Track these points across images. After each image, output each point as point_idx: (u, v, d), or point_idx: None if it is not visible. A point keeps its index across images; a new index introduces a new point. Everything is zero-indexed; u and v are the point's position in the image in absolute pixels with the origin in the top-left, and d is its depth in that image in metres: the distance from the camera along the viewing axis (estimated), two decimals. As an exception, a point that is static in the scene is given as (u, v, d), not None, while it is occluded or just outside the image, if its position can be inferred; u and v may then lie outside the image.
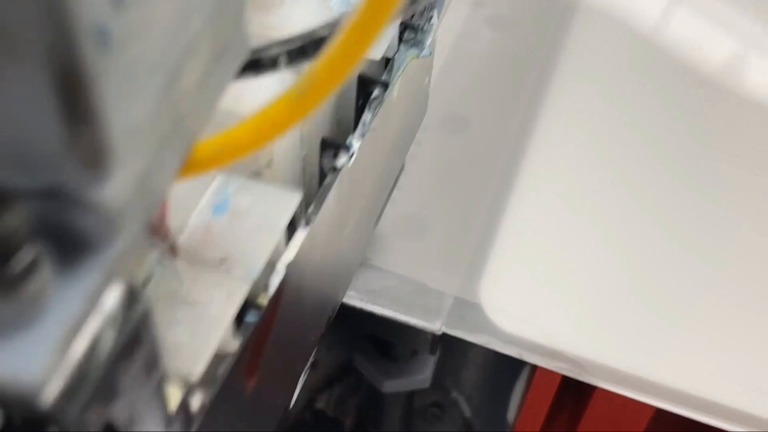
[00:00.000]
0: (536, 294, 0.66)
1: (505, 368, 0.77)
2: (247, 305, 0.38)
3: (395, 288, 0.65)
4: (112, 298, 0.26)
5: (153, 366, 0.30)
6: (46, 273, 0.25)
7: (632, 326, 0.65)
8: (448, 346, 0.66)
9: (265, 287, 0.39)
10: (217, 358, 0.36)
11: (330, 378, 0.89)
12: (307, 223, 0.42)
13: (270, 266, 0.39)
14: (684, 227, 0.71)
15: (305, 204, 0.43)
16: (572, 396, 0.73)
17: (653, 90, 0.81)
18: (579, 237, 0.69)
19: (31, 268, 0.25)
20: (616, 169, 0.74)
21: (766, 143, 0.77)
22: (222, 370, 0.37)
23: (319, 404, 0.89)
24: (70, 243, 0.26)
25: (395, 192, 0.69)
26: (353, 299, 0.64)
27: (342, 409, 0.89)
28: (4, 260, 0.24)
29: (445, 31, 0.82)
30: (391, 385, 0.69)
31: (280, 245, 0.40)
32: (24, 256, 0.25)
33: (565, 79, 0.80)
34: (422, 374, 0.68)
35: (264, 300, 0.39)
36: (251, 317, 0.39)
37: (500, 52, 0.82)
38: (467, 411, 0.88)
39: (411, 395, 0.85)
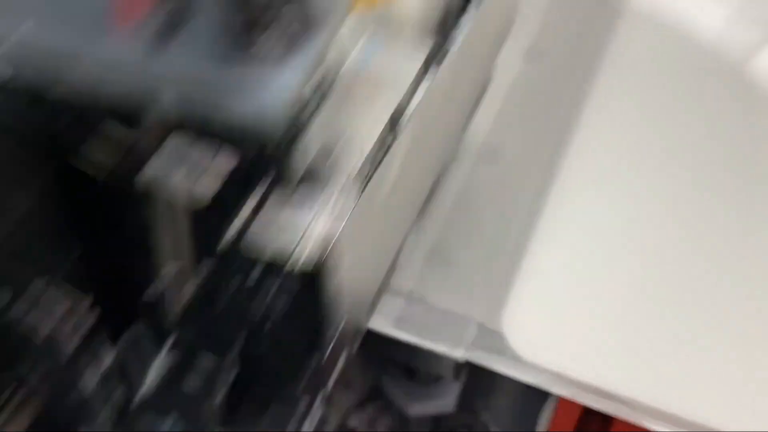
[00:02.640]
0: (559, 324, 0.67)
1: (533, 393, 0.78)
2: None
3: (421, 315, 0.67)
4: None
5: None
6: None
7: (655, 357, 0.67)
8: (477, 370, 0.68)
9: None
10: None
11: (362, 399, 0.91)
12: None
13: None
14: (715, 259, 0.72)
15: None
16: (598, 421, 0.74)
17: (692, 114, 0.82)
18: (604, 269, 0.71)
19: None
20: (644, 200, 0.75)
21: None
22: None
23: (352, 423, 0.91)
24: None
25: (425, 221, 0.71)
26: (380, 325, 0.66)
27: (373, 429, 0.91)
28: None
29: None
30: (416, 409, 0.71)
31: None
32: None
33: (596, 109, 0.81)
34: (446, 399, 0.70)
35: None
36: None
37: (534, 83, 0.84)
38: (494, 433, 0.90)
39: (438, 417, 0.86)
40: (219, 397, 0.51)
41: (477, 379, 0.71)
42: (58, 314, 0.47)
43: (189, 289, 0.48)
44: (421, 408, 0.71)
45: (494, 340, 0.65)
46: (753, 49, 0.86)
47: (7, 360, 0.47)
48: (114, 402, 0.52)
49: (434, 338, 0.65)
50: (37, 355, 0.48)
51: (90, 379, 0.50)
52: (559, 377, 0.64)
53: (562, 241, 0.72)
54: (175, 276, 0.48)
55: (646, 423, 0.64)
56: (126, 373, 0.52)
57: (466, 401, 0.87)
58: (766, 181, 0.77)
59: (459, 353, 0.64)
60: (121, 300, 0.50)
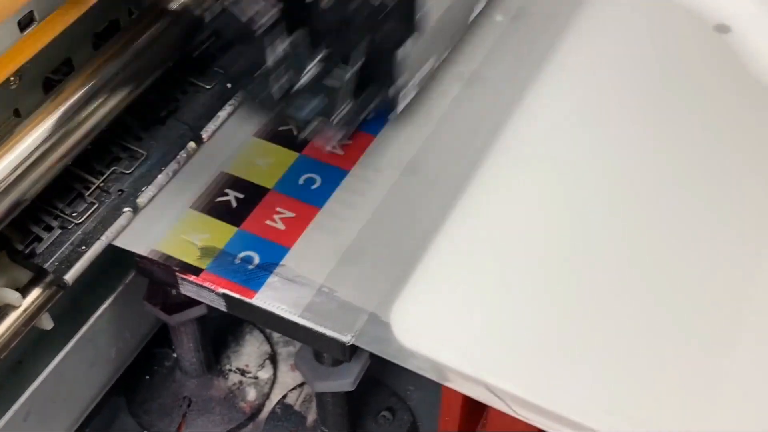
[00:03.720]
0: (444, 318, 0.77)
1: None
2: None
3: (322, 303, 0.77)
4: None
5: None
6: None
7: (534, 354, 0.75)
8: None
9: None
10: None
11: (302, 380, 1.02)
12: None
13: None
14: (601, 261, 0.81)
15: None
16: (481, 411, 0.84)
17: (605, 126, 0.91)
18: (495, 270, 0.80)
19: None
20: (542, 210, 0.84)
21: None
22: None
23: (289, 400, 1.02)
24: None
25: (331, 219, 0.82)
26: (282, 310, 0.76)
27: (306, 406, 1.01)
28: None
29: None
30: (320, 386, 0.81)
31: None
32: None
33: (509, 134, 0.90)
34: (347, 378, 0.80)
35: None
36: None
37: (464, 106, 0.94)
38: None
39: (357, 398, 0.97)
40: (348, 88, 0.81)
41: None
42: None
43: None
44: (325, 386, 0.81)
45: (381, 328, 0.75)
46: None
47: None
48: (283, 83, 0.81)
49: (327, 325, 0.75)
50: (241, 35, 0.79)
51: (271, 55, 0.79)
52: (436, 365, 0.74)
53: (459, 244, 0.82)
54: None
55: (519, 414, 0.73)
56: (292, 64, 0.80)
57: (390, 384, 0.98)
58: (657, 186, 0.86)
59: (346, 338, 0.74)
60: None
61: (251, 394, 1.01)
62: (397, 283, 0.78)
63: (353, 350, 0.75)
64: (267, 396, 1.02)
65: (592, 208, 0.85)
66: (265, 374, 1.03)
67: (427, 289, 0.78)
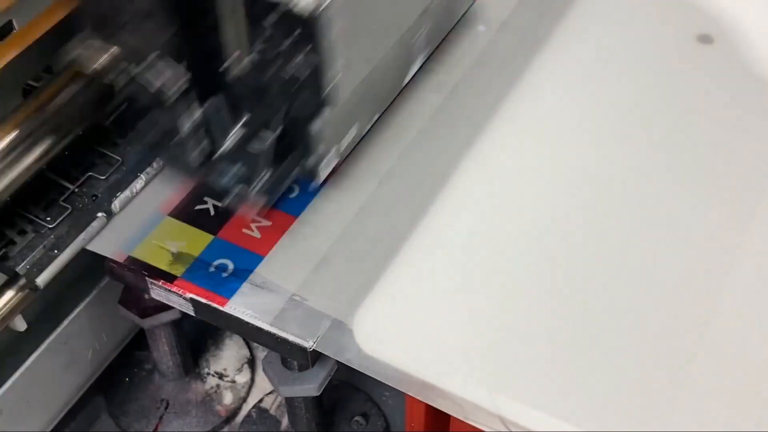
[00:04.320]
0: (407, 326, 0.78)
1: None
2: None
3: (286, 309, 0.78)
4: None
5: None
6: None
7: (495, 364, 0.76)
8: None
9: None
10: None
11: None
12: None
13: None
14: (561, 269, 0.82)
15: None
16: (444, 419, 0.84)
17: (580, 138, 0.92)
18: (461, 279, 0.81)
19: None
20: (506, 232, 0.85)
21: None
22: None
23: (265, 404, 1.03)
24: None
25: (307, 228, 0.83)
26: (248, 316, 0.77)
27: (282, 410, 1.02)
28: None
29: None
30: (286, 391, 0.82)
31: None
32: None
33: (478, 148, 0.92)
34: (312, 383, 0.81)
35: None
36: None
37: (437, 116, 0.95)
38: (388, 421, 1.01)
39: (332, 403, 0.98)
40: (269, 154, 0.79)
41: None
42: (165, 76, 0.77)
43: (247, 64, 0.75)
44: (290, 390, 0.82)
45: (343, 334, 0.76)
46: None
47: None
48: (203, 148, 0.81)
49: (291, 330, 0.76)
50: (153, 103, 0.79)
51: (186, 122, 0.79)
52: (396, 372, 0.75)
53: (425, 253, 0.83)
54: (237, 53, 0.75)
55: (480, 424, 0.74)
56: (212, 129, 0.79)
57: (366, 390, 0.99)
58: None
59: (308, 344, 0.76)
60: (204, 71, 0.77)
61: (228, 398, 1.02)
62: (362, 291, 0.79)
63: (316, 356, 0.77)
64: (244, 399, 1.03)
65: (561, 219, 0.86)
66: (242, 378, 1.04)
67: (392, 297, 0.79)
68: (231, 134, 0.79)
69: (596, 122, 0.94)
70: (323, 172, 0.84)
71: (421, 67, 0.96)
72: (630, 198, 0.87)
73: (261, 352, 1.07)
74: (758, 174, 0.89)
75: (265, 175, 0.81)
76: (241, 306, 0.78)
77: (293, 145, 0.81)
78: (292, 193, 0.88)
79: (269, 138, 0.79)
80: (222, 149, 0.80)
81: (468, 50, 1.01)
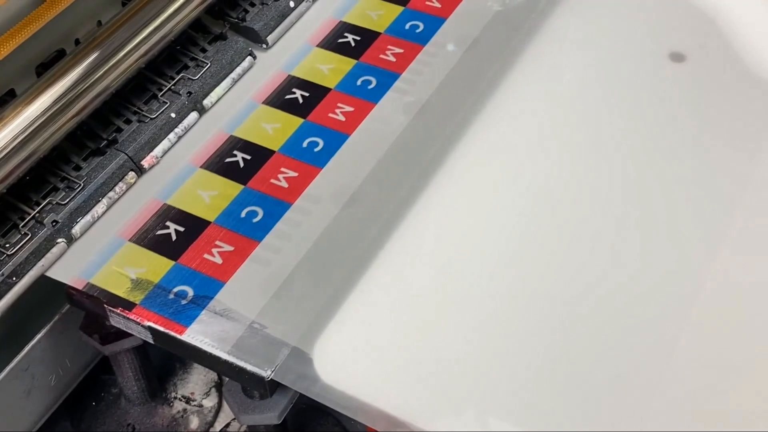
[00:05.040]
0: (367, 355, 0.77)
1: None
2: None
3: (245, 338, 0.77)
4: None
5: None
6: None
7: (450, 395, 0.75)
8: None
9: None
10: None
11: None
12: None
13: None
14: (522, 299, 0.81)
15: None
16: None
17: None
18: (421, 308, 0.80)
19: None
20: (470, 259, 0.84)
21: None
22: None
23: (232, 428, 1.02)
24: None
25: (269, 253, 0.82)
26: (206, 345, 0.76)
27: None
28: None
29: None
30: (246, 419, 0.81)
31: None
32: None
33: (445, 171, 0.91)
34: (273, 412, 0.80)
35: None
36: None
37: (403, 137, 0.94)
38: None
39: (299, 427, 0.97)
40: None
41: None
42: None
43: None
44: (251, 419, 0.81)
45: (303, 363, 0.75)
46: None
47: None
48: None
49: (248, 359, 0.75)
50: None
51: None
52: (357, 403, 0.74)
53: (388, 279, 0.82)
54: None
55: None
56: None
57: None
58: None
59: (266, 373, 0.75)
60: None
61: (194, 422, 1.01)
62: (323, 318, 0.79)
63: (275, 385, 0.76)
64: (210, 424, 1.02)
65: (530, 241, 0.85)
66: (209, 402, 1.03)
67: (353, 324, 0.79)
68: None
69: (567, 141, 0.94)
70: None
71: (390, 87, 0.96)
72: (601, 217, 0.87)
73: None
74: (730, 187, 0.89)
75: None
76: (199, 334, 0.77)
77: None
78: (255, 217, 0.87)
79: None
80: None
81: (437, 70, 1.00)
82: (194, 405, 1.03)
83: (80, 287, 0.81)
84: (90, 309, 0.83)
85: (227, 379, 1.03)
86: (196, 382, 1.05)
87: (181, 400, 1.03)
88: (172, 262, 0.83)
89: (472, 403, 0.75)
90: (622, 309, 0.80)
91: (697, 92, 0.99)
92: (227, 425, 1.02)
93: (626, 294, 0.81)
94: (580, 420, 0.73)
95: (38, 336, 0.86)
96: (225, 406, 1.04)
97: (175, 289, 0.81)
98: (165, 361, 1.05)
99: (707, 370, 0.76)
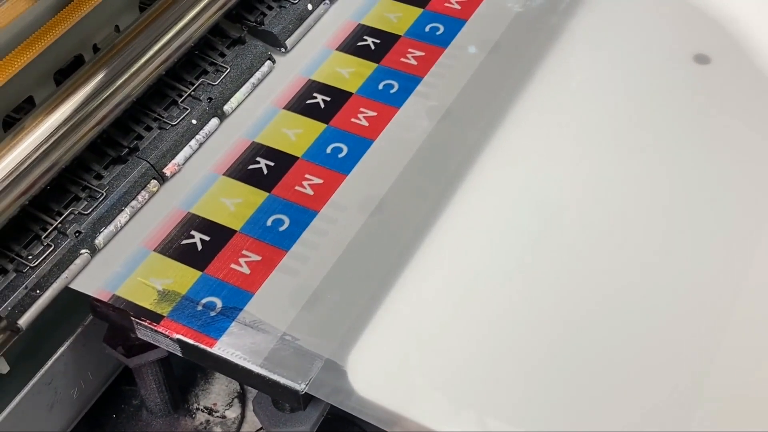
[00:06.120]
0: (402, 366, 0.75)
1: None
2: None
3: (276, 350, 0.75)
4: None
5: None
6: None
7: (487, 406, 0.74)
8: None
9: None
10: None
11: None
12: None
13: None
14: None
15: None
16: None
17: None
18: (451, 326, 0.78)
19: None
20: (504, 267, 0.83)
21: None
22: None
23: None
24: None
25: (297, 263, 0.80)
26: (237, 358, 0.75)
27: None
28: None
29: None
30: (278, 433, 0.80)
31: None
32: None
33: (471, 176, 0.89)
34: (304, 425, 0.78)
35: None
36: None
37: (428, 144, 0.92)
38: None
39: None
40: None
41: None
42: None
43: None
44: (282, 432, 0.79)
45: (337, 376, 0.74)
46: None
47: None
48: None
49: (281, 373, 0.74)
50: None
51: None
52: (393, 416, 0.72)
53: (421, 287, 0.80)
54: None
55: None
56: None
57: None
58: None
59: (300, 386, 0.73)
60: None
61: (218, 434, 1.00)
62: (356, 329, 0.77)
63: (308, 398, 0.74)
64: (231, 436, 1.00)
65: (559, 248, 0.84)
66: (232, 413, 1.01)
67: (387, 335, 0.77)
68: None
69: (593, 144, 0.92)
70: None
71: (412, 91, 0.95)
72: (625, 223, 0.85)
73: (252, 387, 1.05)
74: (759, 194, 0.87)
75: None
76: (229, 347, 0.76)
77: None
78: (281, 226, 0.85)
79: None
80: None
81: (459, 73, 0.99)
82: (217, 416, 1.01)
83: (106, 299, 0.80)
84: (115, 321, 0.81)
85: (251, 390, 1.02)
86: (218, 392, 1.03)
87: (203, 412, 1.01)
88: (199, 273, 0.81)
89: (508, 413, 0.73)
90: (642, 316, 0.78)
91: (723, 94, 0.98)
92: (251, 436, 1.00)
93: (649, 300, 0.79)
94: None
95: (61, 349, 0.85)
96: (248, 416, 1.02)
97: (204, 301, 0.79)
98: (186, 371, 1.03)
99: (739, 390, 0.75)
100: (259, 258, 0.82)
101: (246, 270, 0.81)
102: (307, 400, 0.75)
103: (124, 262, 0.83)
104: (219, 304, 0.79)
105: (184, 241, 0.84)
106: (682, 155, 0.91)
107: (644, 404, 0.73)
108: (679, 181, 0.89)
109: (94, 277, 0.82)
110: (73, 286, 0.81)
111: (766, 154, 0.91)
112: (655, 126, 0.94)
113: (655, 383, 0.74)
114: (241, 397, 1.03)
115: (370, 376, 0.74)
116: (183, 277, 0.81)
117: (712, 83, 0.98)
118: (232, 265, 0.82)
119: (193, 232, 0.85)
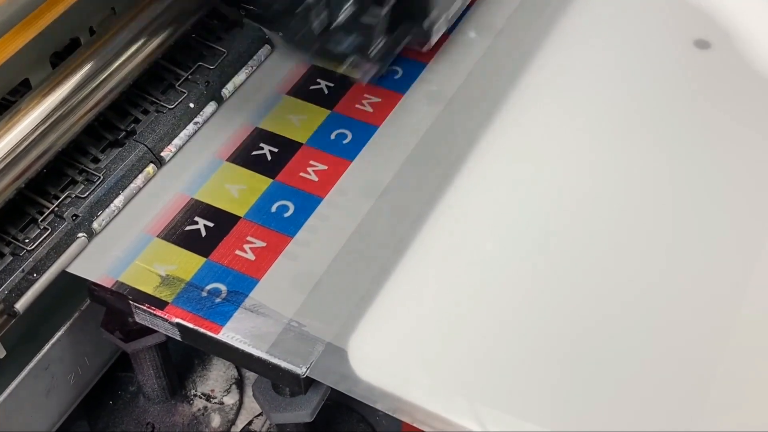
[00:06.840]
0: (403, 350, 0.75)
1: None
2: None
3: (277, 334, 0.75)
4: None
5: None
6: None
7: (485, 390, 0.73)
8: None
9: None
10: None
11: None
12: None
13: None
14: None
15: None
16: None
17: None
18: (455, 305, 0.78)
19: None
20: (504, 251, 0.82)
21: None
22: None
23: (254, 427, 1.00)
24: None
25: (302, 249, 0.79)
26: (242, 343, 0.74)
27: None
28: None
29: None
30: (277, 417, 0.79)
31: None
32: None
33: (473, 163, 0.88)
34: (305, 410, 0.78)
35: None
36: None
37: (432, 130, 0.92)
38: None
39: (324, 425, 0.95)
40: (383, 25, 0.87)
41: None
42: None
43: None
44: (282, 417, 0.79)
45: (338, 359, 0.73)
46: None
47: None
48: (322, 18, 0.85)
49: (282, 356, 0.73)
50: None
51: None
52: (394, 399, 0.72)
53: (422, 272, 0.80)
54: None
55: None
56: (329, 2, 0.84)
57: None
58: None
59: (301, 370, 0.72)
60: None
61: (216, 421, 0.99)
62: (357, 313, 0.76)
63: (309, 382, 0.73)
64: (232, 422, 0.99)
65: (559, 235, 0.83)
66: (230, 400, 1.01)
67: (388, 319, 0.76)
68: (348, 5, 0.84)
69: (595, 130, 0.92)
70: (435, 36, 0.94)
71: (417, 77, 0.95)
72: (629, 210, 0.85)
73: (249, 372, 1.04)
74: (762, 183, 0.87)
75: (380, 43, 0.88)
76: (234, 332, 0.75)
77: (407, 11, 0.90)
78: (286, 212, 0.84)
79: (384, 9, 0.86)
80: (340, 20, 0.85)
81: (462, 59, 0.98)
82: (215, 402, 1.00)
83: (109, 285, 0.79)
84: (113, 305, 0.80)
85: (251, 374, 1.01)
86: (216, 379, 1.02)
87: (201, 398, 1.00)
88: (204, 259, 0.81)
89: (514, 400, 0.73)
90: (653, 313, 0.78)
91: (723, 80, 0.97)
92: (249, 423, 0.99)
93: (657, 297, 0.79)
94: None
95: (58, 334, 0.84)
96: (246, 403, 1.01)
97: (208, 287, 0.78)
98: (184, 357, 1.03)
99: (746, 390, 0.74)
100: (264, 244, 0.82)
101: (251, 256, 0.81)
102: (308, 384, 0.74)
103: (126, 247, 0.82)
104: (224, 290, 0.78)
105: (188, 227, 0.83)
106: (686, 141, 0.91)
107: (651, 404, 0.72)
108: (684, 168, 0.88)
109: (93, 262, 0.81)
110: (71, 270, 0.80)
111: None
112: (658, 110, 0.94)
113: (664, 382, 0.73)
114: (239, 384, 1.02)
115: (372, 360, 0.73)
116: (187, 264, 0.80)
117: (712, 68, 0.98)
118: (237, 252, 0.81)
119: (197, 218, 0.84)
